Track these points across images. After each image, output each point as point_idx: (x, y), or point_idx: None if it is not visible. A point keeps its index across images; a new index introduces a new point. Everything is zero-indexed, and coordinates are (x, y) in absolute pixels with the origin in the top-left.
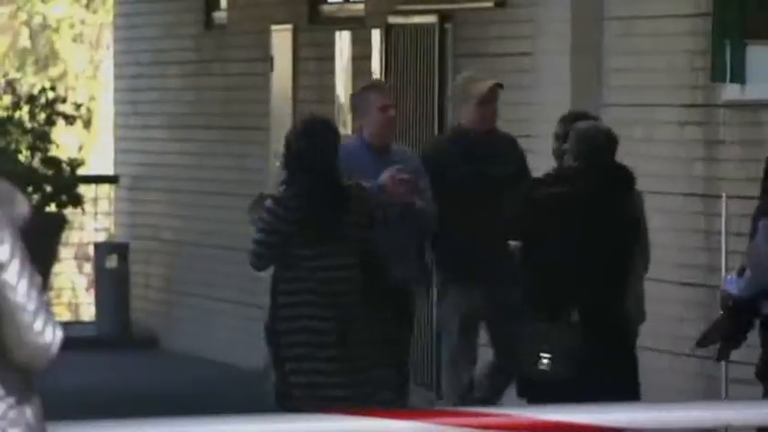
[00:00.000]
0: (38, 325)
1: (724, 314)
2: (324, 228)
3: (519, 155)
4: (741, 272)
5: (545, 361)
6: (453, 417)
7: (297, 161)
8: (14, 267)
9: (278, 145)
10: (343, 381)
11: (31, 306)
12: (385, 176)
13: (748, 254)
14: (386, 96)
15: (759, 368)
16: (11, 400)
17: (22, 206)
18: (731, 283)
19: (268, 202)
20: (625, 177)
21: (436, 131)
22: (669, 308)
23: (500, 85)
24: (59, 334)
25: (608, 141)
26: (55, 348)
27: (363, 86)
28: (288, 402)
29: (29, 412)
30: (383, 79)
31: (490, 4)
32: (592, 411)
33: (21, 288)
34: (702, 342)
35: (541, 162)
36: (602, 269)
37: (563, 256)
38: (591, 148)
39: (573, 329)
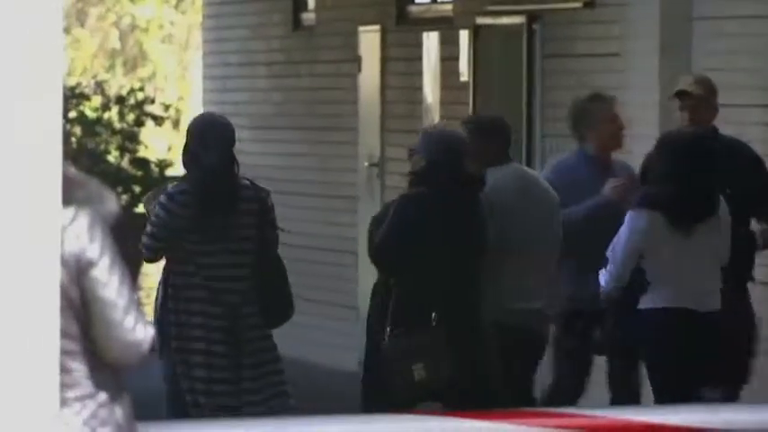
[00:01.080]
0: (129, 322)
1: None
2: (213, 225)
3: (741, 159)
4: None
5: (417, 370)
6: (533, 417)
7: (190, 158)
8: (105, 264)
9: (366, 146)
10: (231, 378)
11: (122, 303)
12: (608, 188)
13: (613, 246)
14: (612, 108)
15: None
16: (102, 398)
17: (111, 204)
18: (601, 278)
19: (161, 197)
20: (466, 180)
21: (524, 133)
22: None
23: (682, 92)
24: (150, 331)
25: (452, 145)
26: (146, 345)
27: (588, 97)
28: (176, 397)
29: (119, 411)
30: (472, 79)
31: (578, 5)
32: (672, 412)
33: (111, 285)
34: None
35: (633, 162)
36: (455, 271)
37: (417, 261)
38: (433, 150)
39: (436, 333)
